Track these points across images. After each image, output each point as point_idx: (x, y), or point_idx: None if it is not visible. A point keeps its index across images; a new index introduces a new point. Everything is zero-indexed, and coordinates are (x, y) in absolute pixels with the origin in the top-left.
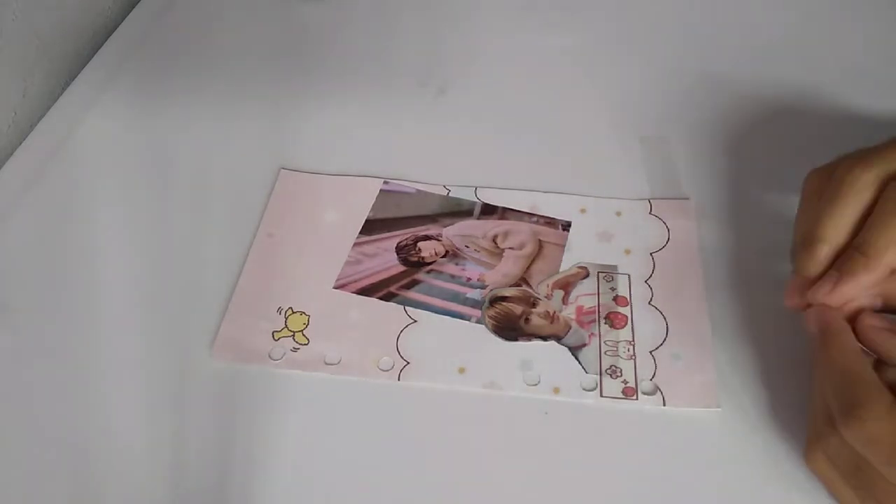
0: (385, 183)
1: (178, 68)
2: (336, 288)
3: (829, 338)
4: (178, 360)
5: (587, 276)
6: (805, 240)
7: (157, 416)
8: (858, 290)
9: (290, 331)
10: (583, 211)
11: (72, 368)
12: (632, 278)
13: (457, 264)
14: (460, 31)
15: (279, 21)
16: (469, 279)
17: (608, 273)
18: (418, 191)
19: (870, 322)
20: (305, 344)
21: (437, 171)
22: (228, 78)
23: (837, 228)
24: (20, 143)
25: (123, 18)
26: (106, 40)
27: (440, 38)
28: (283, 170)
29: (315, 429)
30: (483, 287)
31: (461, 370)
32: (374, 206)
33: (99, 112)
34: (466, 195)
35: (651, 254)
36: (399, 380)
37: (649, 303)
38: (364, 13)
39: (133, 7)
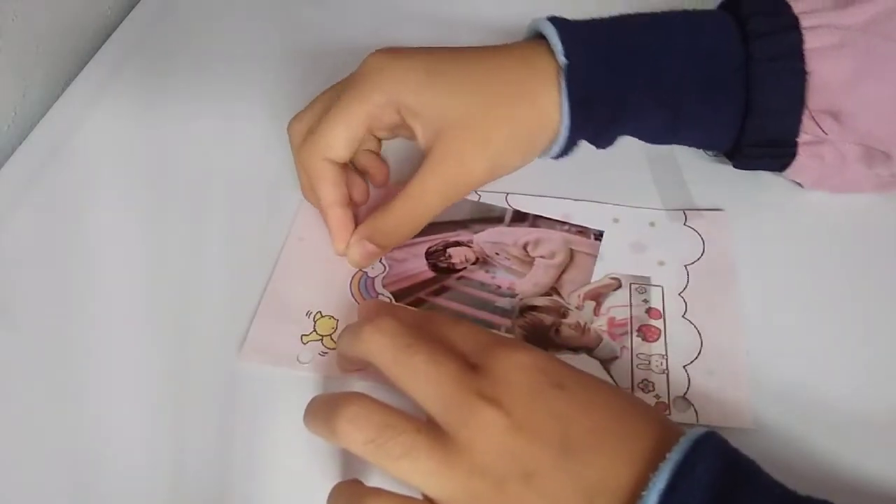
0: None
1: (178, 68)
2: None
3: None
4: (204, 361)
5: (619, 287)
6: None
7: (178, 418)
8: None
9: (319, 335)
10: (616, 220)
11: (75, 370)
12: (665, 290)
13: (487, 272)
14: (465, 29)
15: (279, 21)
16: (499, 287)
17: (641, 284)
18: None
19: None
20: (334, 348)
21: None
22: (230, 78)
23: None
24: (20, 143)
25: (123, 18)
26: (106, 40)
27: (442, 37)
28: None
29: None
30: (513, 296)
31: None
32: None
33: (99, 112)
34: (497, 201)
35: (685, 266)
36: None
37: (683, 316)
38: (364, 13)
39: (133, 7)
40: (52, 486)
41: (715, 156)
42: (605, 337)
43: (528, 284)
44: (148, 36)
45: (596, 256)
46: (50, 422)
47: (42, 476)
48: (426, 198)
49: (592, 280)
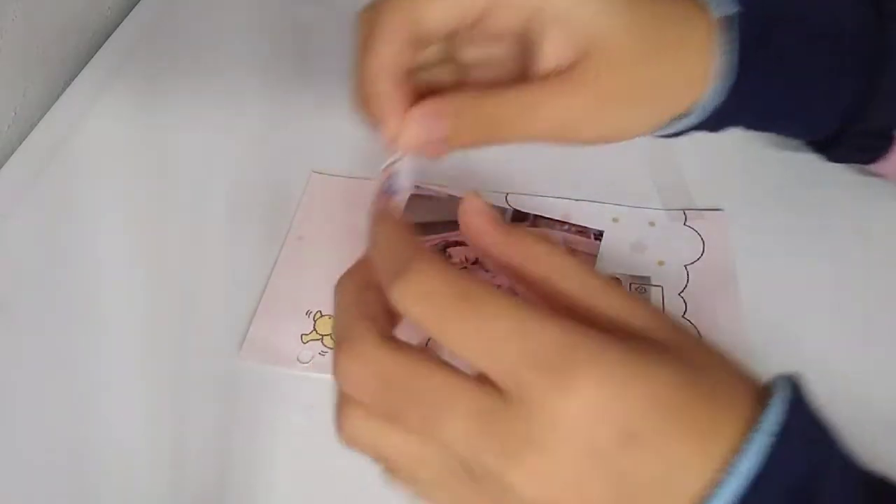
0: (416, 187)
1: (178, 68)
2: None
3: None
4: (204, 361)
5: None
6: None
7: (178, 417)
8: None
9: (319, 334)
10: (615, 220)
11: (75, 369)
12: (665, 290)
13: (487, 271)
14: None
15: (279, 21)
16: (499, 287)
17: (641, 284)
18: (449, 195)
19: (469, 206)
20: (333, 348)
21: (467, 176)
22: (229, 78)
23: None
24: (20, 143)
25: (123, 18)
26: (106, 40)
27: None
28: (313, 173)
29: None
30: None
31: None
32: (404, 210)
33: (99, 112)
34: (497, 201)
35: (685, 266)
36: None
37: (683, 316)
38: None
39: (133, 7)
40: (53, 485)
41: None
42: None
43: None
44: (148, 36)
45: (596, 256)
46: (50, 421)
47: (42, 475)
48: (533, 120)
49: None
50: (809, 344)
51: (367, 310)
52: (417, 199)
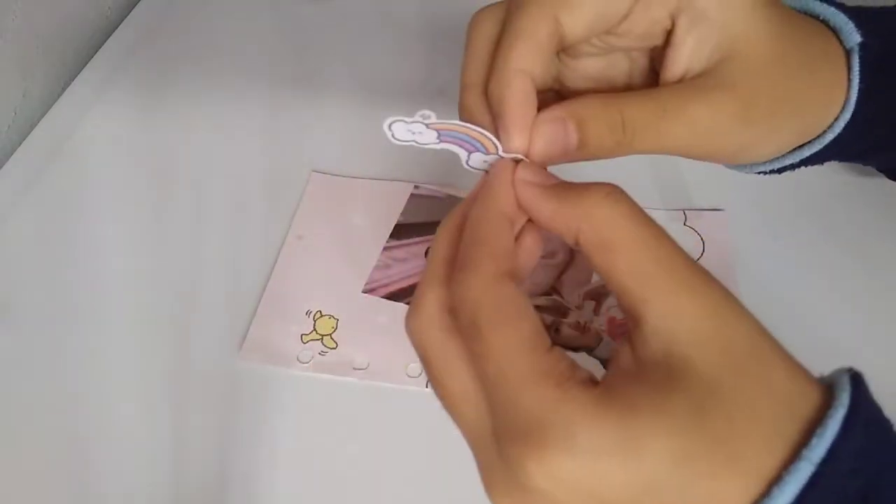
0: (415, 188)
1: (178, 68)
2: (365, 292)
3: (482, 192)
4: (204, 361)
5: None
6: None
7: (178, 418)
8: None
9: (319, 334)
10: None
11: (75, 369)
12: None
13: None
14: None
15: (279, 21)
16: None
17: None
18: (448, 196)
19: (522, 175)
20: (334, 348)
21: (467, 176)
22: (229, 77)
23: (476, 70)
24: (20, 143)
25: (123, 18)
26: (106, 40)
27: (444, 40)
28: (313, 173)
29: (340, 433)
30: None
31: None
32: (403, 210)
33: (99, 112)
34: None
35: None
36: (427, 387)
37: None
38: (364, 13)
39: (133, 7)
40: (53, 485)
41: None
42: (606, 336)
43: (527, 284)
44: (148, 36)
45: None
46: (50, 422)
47: (42, 475)
48: (675, 124)
49: (592, 280)
50: (809, 344)
51: (444, 270)
52: (417, 198)
